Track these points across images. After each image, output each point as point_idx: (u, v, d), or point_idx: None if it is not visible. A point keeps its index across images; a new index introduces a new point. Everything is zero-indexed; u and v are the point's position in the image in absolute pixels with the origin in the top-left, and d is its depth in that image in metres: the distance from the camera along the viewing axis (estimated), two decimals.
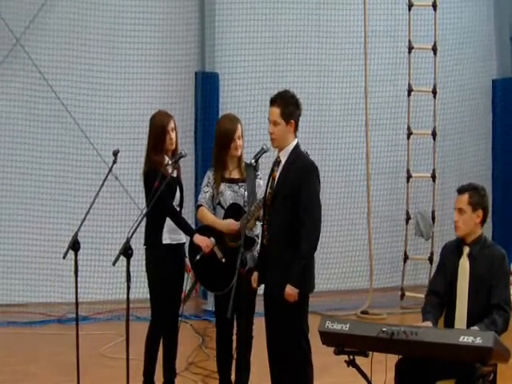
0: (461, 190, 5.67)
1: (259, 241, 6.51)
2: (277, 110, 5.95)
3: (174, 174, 6.68)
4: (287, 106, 5.95)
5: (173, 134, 6.74)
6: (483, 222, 5.65)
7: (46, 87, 10.79)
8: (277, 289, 5.90)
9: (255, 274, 6.15)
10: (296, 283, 5.83)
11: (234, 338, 6.62)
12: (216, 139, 6.66)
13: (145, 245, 6.78)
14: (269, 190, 6.05)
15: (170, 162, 6.59)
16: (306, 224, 5.84)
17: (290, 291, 5.83)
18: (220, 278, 6.40)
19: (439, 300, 5.65)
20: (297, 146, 6.02)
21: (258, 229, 6.59)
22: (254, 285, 6.15)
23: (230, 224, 6.51)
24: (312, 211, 5.87)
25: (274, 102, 5.98)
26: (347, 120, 11.77)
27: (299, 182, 5.88)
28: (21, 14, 10.70)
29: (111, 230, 10.74)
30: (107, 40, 10.96)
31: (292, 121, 5.96)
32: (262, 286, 6.18)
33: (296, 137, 6.03)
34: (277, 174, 6.02)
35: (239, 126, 6.63)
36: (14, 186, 10.80)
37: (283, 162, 6.00)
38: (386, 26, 11.84)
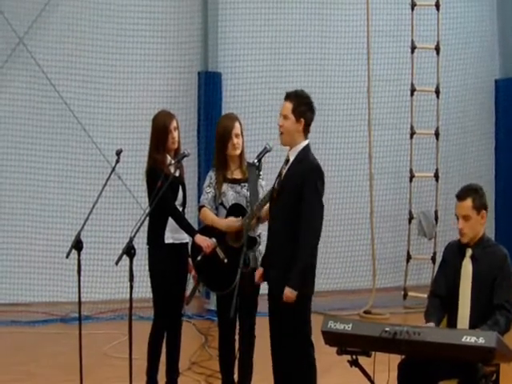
0: (462, 196, 5.59)
1: (260, 240, 6.54)
2: (289, 105, 5.99)
3: (177, 174, 6.69)
4: (300, 104, 5.99)
5: (175, 134, 6.75)
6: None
7: (48, 86, 10.80)
8: (278, 288, 5.91)
9: (260, 270, 6.18)
10: (294, 285, 5.84)
11: (237, 337, 6.62)
12: (215, 138, 6.68)
13: (147, 244, 6.78)
14: (276, 186, 6.06)
15: (173, 162, 6.59)
16: (304, 227, 5.85)
17: (289, 293, 5.84)
18: (222, 278, 6.39)
19: (442, 302, 5.65)
20: (307, 147, 6.03)
21: (260, 229, 6.61)
22: (257, 280, 6.17)
23: (230, 221, 6.50)
24: (312, 214, 5.88)
25: (288, 96, 6.04)
26: (350, 120, 11.77)
27: (303, 181, 5.90)
28: (24, 13, 10.71)
29: (114, 230, 10.75)
30: (110, 40, 10.96)
31: (302, 119, 5.98)
32: (265, 286, 6.20)
33: (307, 138, 6.05)
34: (283, 172, 6.05)
35: (237, 124, 6.62)
36: (18, 185, 10.81)
37: (291, 160, 6.03)
38: (389, 26, 11.83)
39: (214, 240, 6.54)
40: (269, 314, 6.13)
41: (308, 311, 6.04)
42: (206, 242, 6.53)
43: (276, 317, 6.04)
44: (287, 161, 6.06)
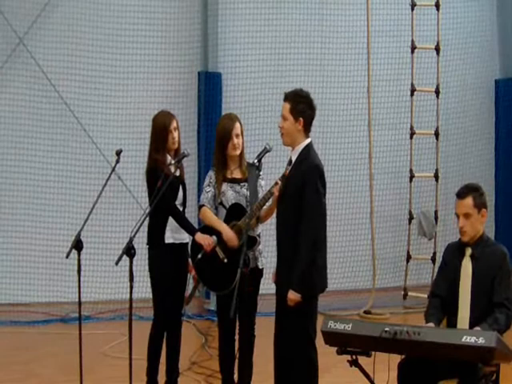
0: (462, 195, 5.60)
1: (259, 240, 6.55)
2: (287, 106, 6.00)
3: (177, 174, 6.69)
4: (298, 103, 5.98)
5: (175, 134, 6.75)
6: None
7: (48, 87, 10.80)
8: (283, 288, 5.92)
9: (274, 270, 6.18)
10: (296, 287, 5.84)
11: (237, 337, 6.62)
12: (215, 138, 6.68)
13: (147, 244, 6.78)
14: (281, 187, 6.06)
15: (173, 162, 6.60)
16: (304, 227, 5.84)
17: (292, 296, 5.85)
18: (222, 278, 6.40)
19: (442, 302, 5.65)
20: (308, 147, 6.02)
21: (260, 228, 6.62)
22: (272, 280, 6.19)
23: (231, 237, 6.47)
24: (312, 213, 5.87)
25: (286, 97, 6.04)
26: (350, 120, 11.77)
27: (303, 182, 5.89)
28: (24, 13, 10.71)
29: (114, 230, 10.74)
30: (110, 40, 10.96)
31: (301, 118, 5.97)
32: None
33: (308, 137, 6.04)
34: (287, 173, 6.05)
35: (237, 125, 6.62)
36: (18, 185, 10.81)
37: (294, 161, 6.03)
38: (389, 26, 11.82)
39: (214, 238, 6.53)
40: (275, 313, 6.12)
41: (313, 312, 6.02)
42: (206, 239, 6.52)
43: (280, 318, 6.04)
44: (290, 162, 6.07)
